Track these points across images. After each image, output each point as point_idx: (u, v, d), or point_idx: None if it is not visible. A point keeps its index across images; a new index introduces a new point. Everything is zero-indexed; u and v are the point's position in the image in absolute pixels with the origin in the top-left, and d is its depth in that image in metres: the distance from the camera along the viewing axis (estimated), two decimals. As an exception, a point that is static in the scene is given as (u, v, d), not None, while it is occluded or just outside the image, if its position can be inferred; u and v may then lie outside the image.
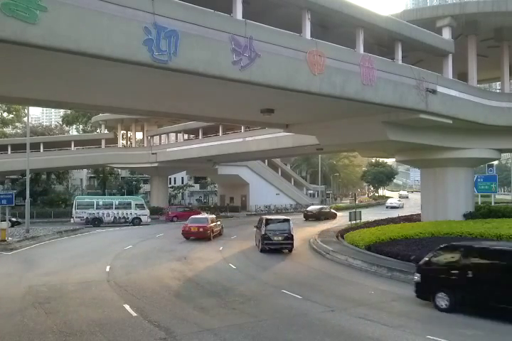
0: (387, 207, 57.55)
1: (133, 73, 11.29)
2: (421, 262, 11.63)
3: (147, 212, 37.33)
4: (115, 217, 35.85)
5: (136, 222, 36.14)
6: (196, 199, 68.58)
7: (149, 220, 36.98)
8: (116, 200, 38.26)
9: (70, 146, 48.18)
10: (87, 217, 35.04)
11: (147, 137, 51.55)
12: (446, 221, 22.29)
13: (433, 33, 18.13)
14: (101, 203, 36.37)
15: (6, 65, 10.85)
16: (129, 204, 36.92)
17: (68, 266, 16.81)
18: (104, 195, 51.05)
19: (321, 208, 42.80)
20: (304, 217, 40.46)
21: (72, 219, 35.54)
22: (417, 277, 11.39)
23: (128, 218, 36.17)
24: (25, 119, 55.31)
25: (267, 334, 8.92)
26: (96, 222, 35.01)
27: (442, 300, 10.69)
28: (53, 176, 58.38)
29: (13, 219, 34.81)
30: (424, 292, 11.23)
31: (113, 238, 26.76)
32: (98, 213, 35.52)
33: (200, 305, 11.21)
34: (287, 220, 20.83)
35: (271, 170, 57.62)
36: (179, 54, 10.39)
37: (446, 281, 10.72)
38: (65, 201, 49.62)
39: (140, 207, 36.94)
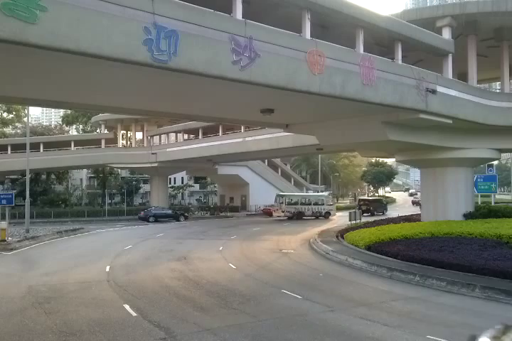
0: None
1: (133, 73, 11.29)
2: None
3: (334, 207, 43.41)
4: (312, 212, 41.09)
5: (327, 215, 41.28)
6: (196, 199, 68.52)
7: (337, 214, 42.41)
8: (313, 197, 43.31)
9: (70, 146, 48.15)
10: (293, 212, 40.40)
11: (147, 137, 51.52)
12: (446, 221, 22.31)
13: (433, 33, 18.14)
14: (303, 200, 41.89)
15: (6, 64, 10.85)
16: (322, 200, 42.31)
17: (68, 266, 16.79)
18: (104, 195, 51.14)
19: None
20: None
21: (282, 213, 40.56)
22: None
23: (322, 212, 41.32)
24: (25, 119, 55.28)
25: (267, 334, 8.91)
26: (299, 216, 40.23)
27: None
28: (53, 176, 58.35)
29: (185, 214, 40.85)
30: None
31: (113, 238, 26.77)
32: (301, 208, 40.86)
33: (200, 305, 11.19)
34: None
35: (271, 170, 57.59)
36: (179, 54, 10.40)
37: None
38: (64, 201, 49.67)
39: (329, 202, 42.52)
